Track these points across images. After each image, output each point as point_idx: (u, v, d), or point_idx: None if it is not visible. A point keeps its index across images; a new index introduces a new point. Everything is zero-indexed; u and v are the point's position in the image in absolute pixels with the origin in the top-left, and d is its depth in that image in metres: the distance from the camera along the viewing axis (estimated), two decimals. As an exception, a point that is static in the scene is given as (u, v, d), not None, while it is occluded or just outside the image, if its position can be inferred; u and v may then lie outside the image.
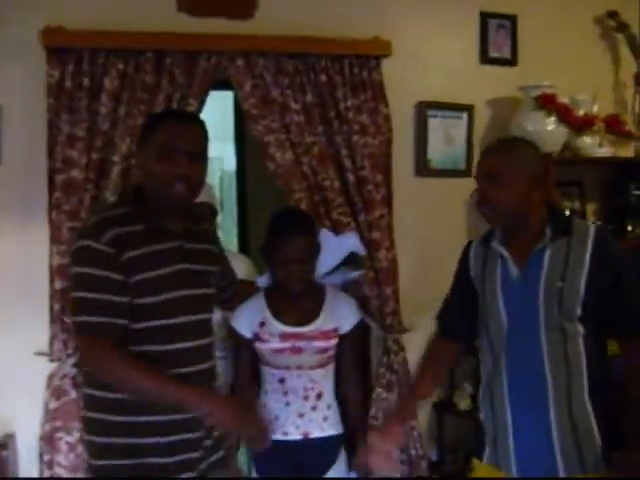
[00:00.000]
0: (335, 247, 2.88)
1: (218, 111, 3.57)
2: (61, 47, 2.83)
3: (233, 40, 3.01)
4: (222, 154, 4.98)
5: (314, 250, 2.52)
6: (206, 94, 2.99)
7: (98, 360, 1.99)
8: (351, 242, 2.97)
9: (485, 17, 3.48)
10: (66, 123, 2.81)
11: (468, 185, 3.33)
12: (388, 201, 3.15)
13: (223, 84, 3.08)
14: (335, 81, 3.11)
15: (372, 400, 3.17)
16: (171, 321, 2.06)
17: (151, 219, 2.05)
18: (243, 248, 3.89)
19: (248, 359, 2.56)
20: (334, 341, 2.52)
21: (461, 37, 3.48)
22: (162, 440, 2.05)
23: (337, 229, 3.05)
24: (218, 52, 2.98)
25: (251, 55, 3.02)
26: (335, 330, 2.52)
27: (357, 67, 3.14)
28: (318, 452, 2.52)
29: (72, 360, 2.80)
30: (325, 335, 2.49)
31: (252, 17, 3.15)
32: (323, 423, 2.53)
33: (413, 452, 3.17)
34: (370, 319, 3.16)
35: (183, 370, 2.06)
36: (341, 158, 3.10)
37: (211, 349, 2.22)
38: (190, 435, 2.08)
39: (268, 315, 2.52)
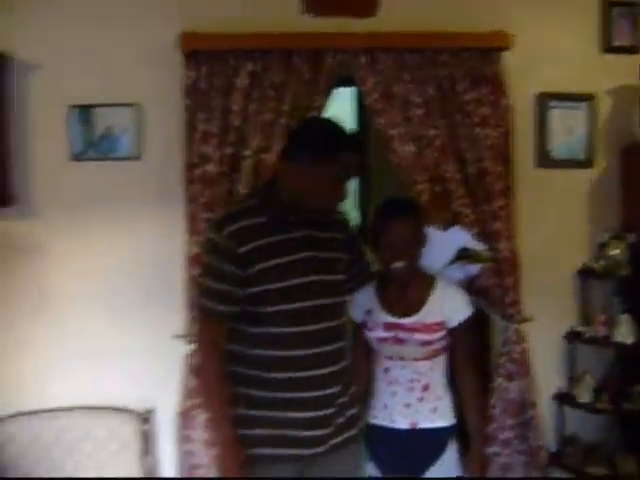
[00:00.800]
0: (444, 242, 2.92)
1: (338, 108, 3.68)
2: (196, 50, 3.00)
3: (356, 38, 3.11)
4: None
5: (418, 237, 2.54)
6: (331, 91, 3.11)
7: (199, 346, 2.27)
8: (460, 237, 3.00)
9: (607, 5, 3.43)
10: (201, 121, 2.99)
11: (588, 175, 3.37)
12: (508, 192, 3.17)
13: (343, 81, 3.18)
14: (456, 75, 3.15)
15: (492, 389, 3.21)
16: (298, 305, 2.18)
17: (276, 211, 2.19)
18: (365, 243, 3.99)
19: (362, 343, 2.63)
20: (438, 334, 2.52)
21: (581, 27, 3.44)
22: (298, 415, 2.19)
23: (458, 220, 3.11)
24: (342, 50, 3.09)
25: (374, 52, 3.11)
26: (440, 324, 2.52)
27: (477, 60, 3.17)
28: (426, 442, 2.55)
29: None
30: (428, 328, 2.50)
31: (374, 15, 3.24)
32: (431, 414, 2.55)
33: (532, 442, 3.18)
34: (490, 309, 3.20)
35: (310, 351, 2.20)
36: (462, 150, 3.15)
37: (340, 331, 2.32)
38: (323, 412, 2.22)
39: (375, 303, 2.60)
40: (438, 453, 2.54)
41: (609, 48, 3.43)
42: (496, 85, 3.19)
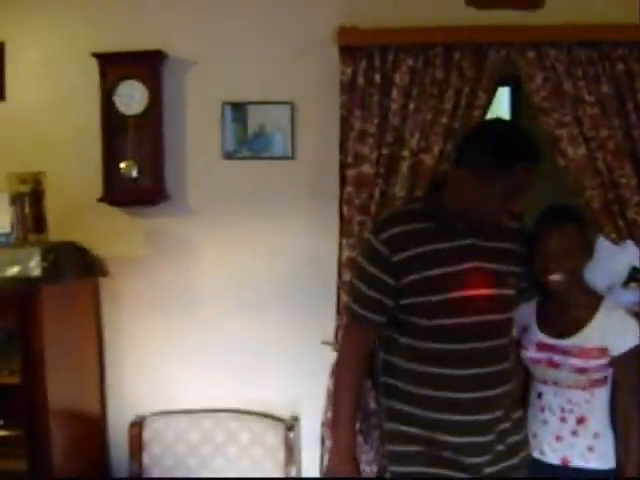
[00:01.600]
0: (615, 258, 2.67)
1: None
2: (354, 45, 2.89)
3: (522, 31, 2.90)
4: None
5: (580, 248, 2.32)
6: (496, 88, 2.92)
7: (340, 348, 2.20)
8: (634, 253, 2.74)
9: None
10: (358, 119, 2.87)
11: None
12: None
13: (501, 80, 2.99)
14: (633, 70, 2.88)
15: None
16: (460, 320, 2.01)
17: (443, 218, 2.03)
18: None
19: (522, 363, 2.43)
20: (597, 362, 2.25)
21: None
22: (453, 440, 2.05)
23: (632, 230, 2.84)
24: (507, 44, 2.89)
25: (542, 46, 2.89)
26: (601, 350, 2.26)
27: (658, 54, 2.89)
28: None
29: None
30: (585, 353, 2.25)
31: (541, 7, 3.01)
32: (587, 453, 2.28)
33: None
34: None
35: (470, 371, 2.04)
36: (638, 153, 2.88)
37: (506, 351, 2.15)
38: (481, 438, 2.04)
39: (532, 320, 2.39)
40: None
41: None
42: (679, 82, 2.89)
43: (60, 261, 2.66)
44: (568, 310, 2.34)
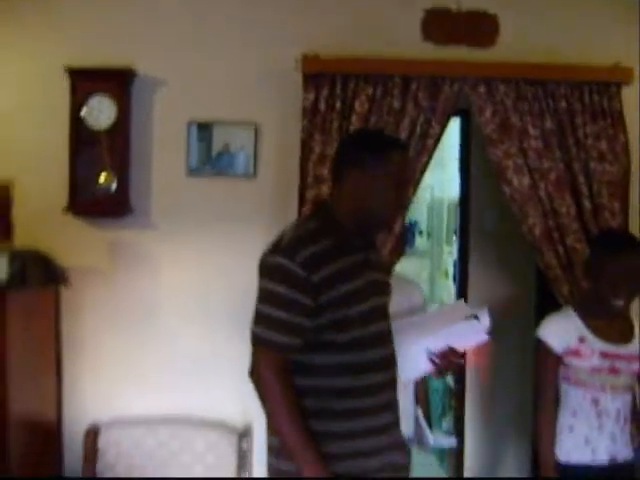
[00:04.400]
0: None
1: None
2: (316, 73, 3.05)
3: (475, 67, 3.12)
4: (433, 181, 5.05)
5: None
6: (449, 119, 3.11)
7: (265, 377, 2.01)
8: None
9: None
10: (318, 143, 3.02)
11: None
12: (625, 230, 3.09)
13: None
14: (574, 108, 3.12)
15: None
16: (369, 330, 2.08)
17: (340, 234, 2.08)
18: (464, 271, 3.96)
19: (556, 375, 2.54)
20: None
21: None
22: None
23: (571, 257, 3.05)
24: (461, 79, 3.09)
25: (492, 82, 3.10)
26: None
27: (597, 94, 3.13)
28: (623, 476, 2.52)
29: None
30: None
31: (493, 45, 3.23)
32: (626, 447, 2.53)
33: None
34: None
35: (380, 377, 2.09)
36: (578, 185, 3.10)
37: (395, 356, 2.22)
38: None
39: (586, 331, 2.53)
40: None
41: None
42: (615, 120, 3.14)
43: (25, 268, 2.73)
44: (617, 320, 2.55)
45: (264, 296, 2.01)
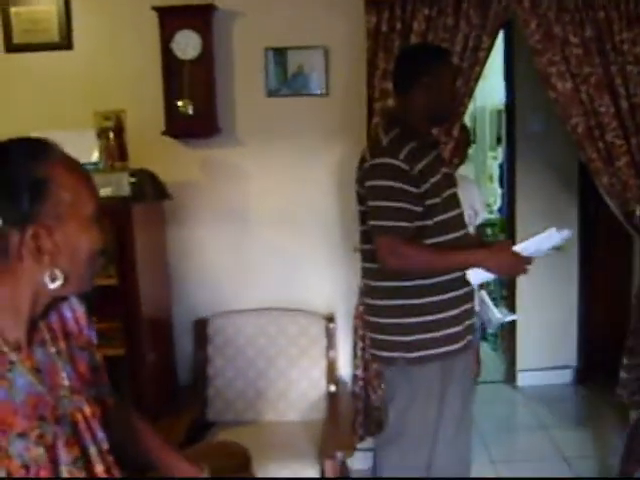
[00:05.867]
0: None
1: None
2: (377, -2, 3.41)
3: (520, -16, 3.44)
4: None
5: None
6: (497, 33, 3.46)
7: (404, 253, 2.41)
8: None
9: None
10: (382, 60, 3.40)
11: None
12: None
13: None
14: (611, 16, 3.44)
15: (632, 306, 3.58)
16: (449, 215, 2.57)
17: (417, 136, 2.52)
18: (511, 173, 4.36)
19: None
20: None
21: None
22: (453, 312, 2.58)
23: (611, 151, 3.45)
24: (508, -5, 3.42)
25: (536, -4, 3.43)
26: None
27: (633, 3, 3.44)
28: None
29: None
30: None
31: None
32: None
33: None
34: (635, 231, 3.54)
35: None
36: (616, 86, 3.45)
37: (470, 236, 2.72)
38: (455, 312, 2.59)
39: None
40: None
41: None
42: (650, 26, 3.46)
43: (142, 184, 3.19)
44: None
45: (379, 192, 2.44)
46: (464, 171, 3.68)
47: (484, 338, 4.78)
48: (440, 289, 2.57)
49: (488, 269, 2.46)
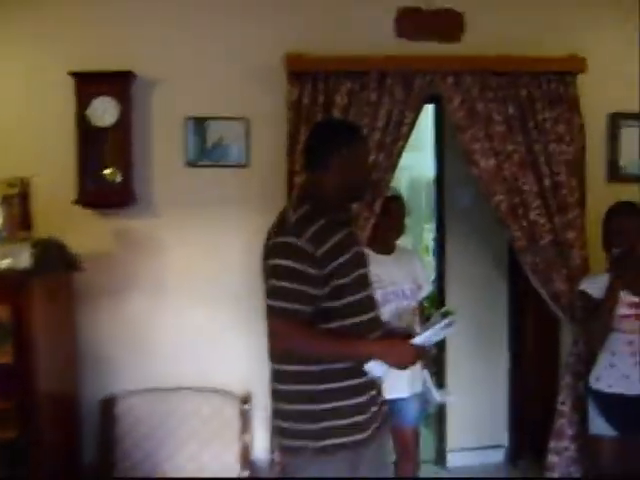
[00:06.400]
0: None
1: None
2: (300, 70, 3.36)
3: (444, 61, 3.44)
4: (412, 162, 5.37)
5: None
6: (421, 108, 3.44)
7: (295, 337, 2.29)
8: None
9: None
10: (303, 133, 3.32)
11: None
12: (581, 204, 3.45)
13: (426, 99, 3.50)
14: (534, 95, 3.46)
15: (560, 387, 3.49)
16: (359, 296, 2.42)
17: (329, 213, 2.39)
18: (440, 245, 4.31)
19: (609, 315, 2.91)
20: None
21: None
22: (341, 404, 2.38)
23: (534, 230, 3.40)
24: (431, 72, 3.41)
25: (460, 73, 3.42)
26: None
27: (554, 82, 3.48)
28: None
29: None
30: None
31: (459, 41, 3.56)
32: None
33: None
34: (561, 312, 3.48)
35: (373, 335, 2.41)
36: (539, 165, 3.44)
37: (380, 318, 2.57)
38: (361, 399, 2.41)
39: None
40: None
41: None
42: (571, 105, 3.49)
43: (45, 255, 3.02)
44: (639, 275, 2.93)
45: (277, 272, 2.32)
46: (401, 243, 3.62)
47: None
48: (348, 374, 2.43)
49: (385, 362, 2.34)
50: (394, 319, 3.14)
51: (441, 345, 4.03)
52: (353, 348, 2.36)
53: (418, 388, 3.28)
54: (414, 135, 3.50)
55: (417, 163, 5.51)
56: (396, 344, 2.37)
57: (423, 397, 3.31)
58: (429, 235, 5.41)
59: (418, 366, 2.92)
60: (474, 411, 4.24)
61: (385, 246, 3.32)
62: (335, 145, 2.44)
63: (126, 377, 3.47)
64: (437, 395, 3.27)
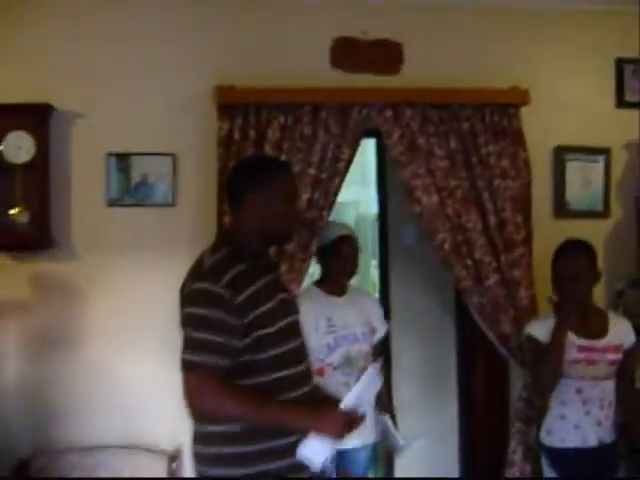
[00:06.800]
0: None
1: (360, 158, 3.81)
2: (230, 103, 3.16)
3: (382, 93, 3.28)
4: (358, 198, 5.22)
5: (591, 273, 2.78)
6: (358, 143, 3.26)
7: (205, 396, 2.06)
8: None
9: (621, 63, 3.59)
10: (234, 170, 3.12)
11: (605, 226, 3.50)
12: (528, 241, 3.29)
13: (367, 132, 3.34)
14: (477, 129, 3.31)
15: (511, 434, 3.30)
16: (286, 347, 2.21)
17: (249, 258, 2.20)
18: (384, 284, 4.13)
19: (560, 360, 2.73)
20: (621, 355, 2.78)
21: (597, 82, 3.60)
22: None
23: (480, 269, 3.23)
24: (369, 105, 3.24)
25: (398, 106, 3.26)
26: (621, 345, 2.78)
27: (497, 115, 3.33)
28: (611, 457, 2.83)
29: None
30: (616, 348, 2.76)
31: (398, 73, 3.41)
32: (612, 430, 2.80)
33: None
34: (510, 355, 3.29)
35: (301, 391, 2.20)
36: (483, 201, 3.28)
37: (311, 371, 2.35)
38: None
39: None
40: (618, 466, 2.89)
41: (623, 103, 3.58)
42: (515, 139, 3.34)
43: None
44: (589, 318, 2.80)
45: (191, 321, 2.10)
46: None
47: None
48: (278, 433, 2.19)
49: (320, 434, 2.10)
50: (345, 364, 2.93)
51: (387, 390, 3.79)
52: (287, 414, 2.13)
53: (370, 439, 3.03)
54: (359, 170, 3.34)
55: (363, 199, 5.34)
56: (332, 413, 2.13)
57: (385, 443, 3.14)
58: (376, 272, 5.22)
59: (369, 415, 2.64)
60: (423, 458, 4.02)
61: (337, 287, 3.06)
62: (250, 184, 2.24)
63: (41, 437, 3.18)
64: (401, 440, 3.06)
